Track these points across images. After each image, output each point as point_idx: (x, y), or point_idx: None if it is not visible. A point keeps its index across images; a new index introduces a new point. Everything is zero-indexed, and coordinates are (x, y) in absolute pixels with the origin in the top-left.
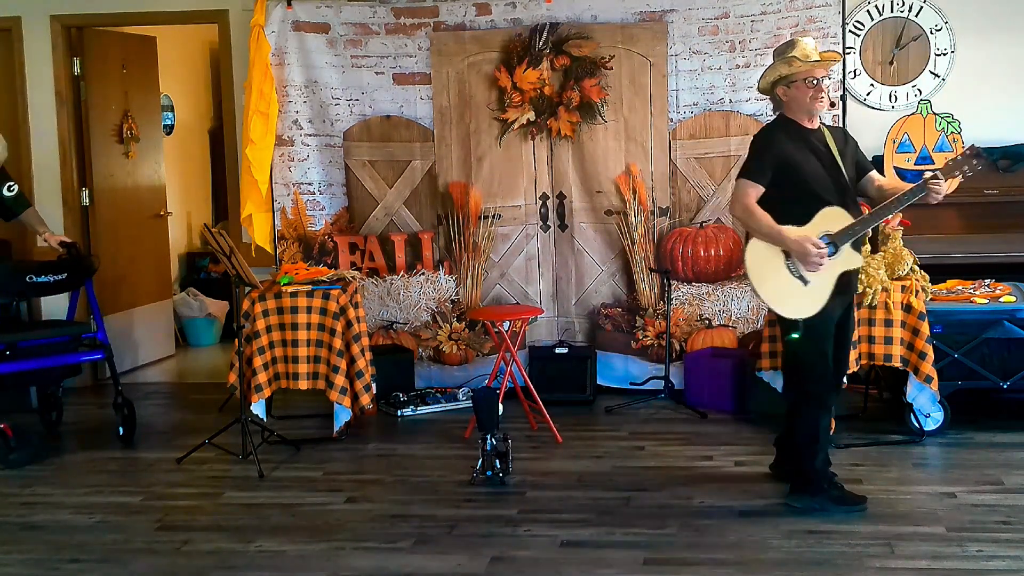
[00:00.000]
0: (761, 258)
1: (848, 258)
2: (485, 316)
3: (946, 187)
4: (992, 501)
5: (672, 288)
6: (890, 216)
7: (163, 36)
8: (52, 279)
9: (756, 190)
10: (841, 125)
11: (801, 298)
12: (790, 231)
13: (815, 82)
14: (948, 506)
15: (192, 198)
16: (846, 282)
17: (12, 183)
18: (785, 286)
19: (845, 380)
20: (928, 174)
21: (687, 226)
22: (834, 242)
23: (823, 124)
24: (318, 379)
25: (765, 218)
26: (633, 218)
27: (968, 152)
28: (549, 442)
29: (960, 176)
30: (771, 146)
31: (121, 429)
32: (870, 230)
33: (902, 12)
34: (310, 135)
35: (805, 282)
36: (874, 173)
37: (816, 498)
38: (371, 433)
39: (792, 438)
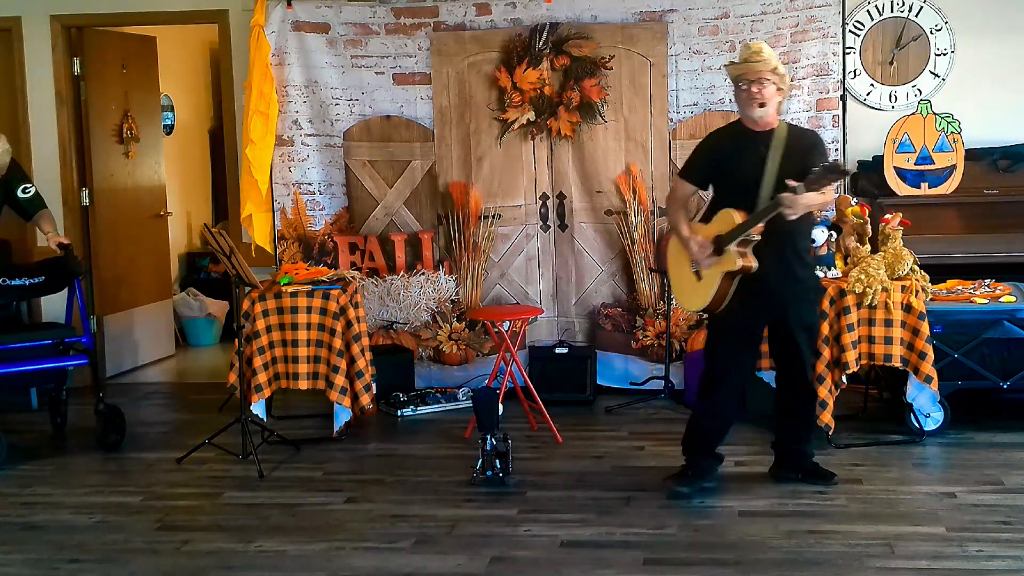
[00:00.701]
0: (677, 249)
1: (729, 260)
2: (485, 316)
3: (803, 202)
4: (992, 501)
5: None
6: (758, 226)
7: (163, 36)
8: (28, 283)
9: (683, 186)
10: (841, 125)
11: (694, 291)
12: (686, 227)
13: (745, 86)
14: (948, 506)
15: (192, 198)
16: (749, 284)
17: (28, 185)
18: (685, 277)
19: (844, 380)
20: (791, 183)
21: None
22: (718, 243)
23: (792, 127)
24: (318, 379)
25: (674, 213)
26: (633, 218)
27: (828, 165)
28: (549, 442)
29: (821, 190)
30: (704, 146)
31: (105, 436)
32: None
33: (902, 12)
34: (310, 135)
35: (699, 277)
36: None
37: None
38: (371, 433)
39: (783, 439)
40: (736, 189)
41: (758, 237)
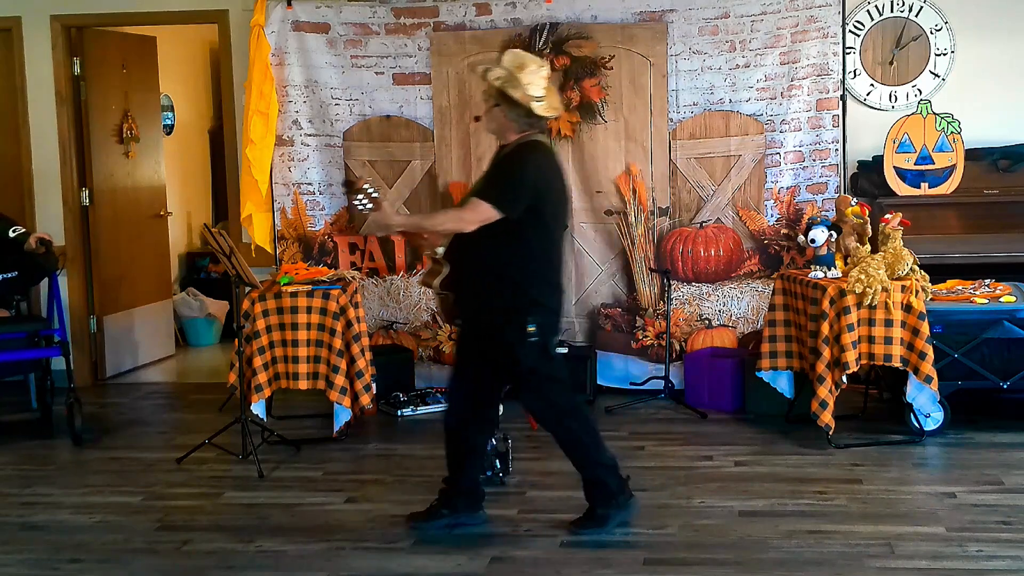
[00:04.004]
0: None
1: (432, 274)
2: None
3: (380, 220)
4: (992, 501)
5: (672, 288)
6: (433, 242)
7: (163, 36)
8: (0, 277)
9: None
10: (841, 125)
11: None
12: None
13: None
14: (948, 506)
15: (192, 198)
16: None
17: (16, 225)
18: None
19: (844, 380)
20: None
21: (687, 226)
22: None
23: (523, 145)
24: (318, 379)
25: None
26: (633, 218)
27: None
28: (549, 442)
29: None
30: None
31: (75, 426)
32: None
33: (902, 12)
34: (310, 135)
35: None
36: None
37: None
38: (371, 433)
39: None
40: None
41: (438, 254)
